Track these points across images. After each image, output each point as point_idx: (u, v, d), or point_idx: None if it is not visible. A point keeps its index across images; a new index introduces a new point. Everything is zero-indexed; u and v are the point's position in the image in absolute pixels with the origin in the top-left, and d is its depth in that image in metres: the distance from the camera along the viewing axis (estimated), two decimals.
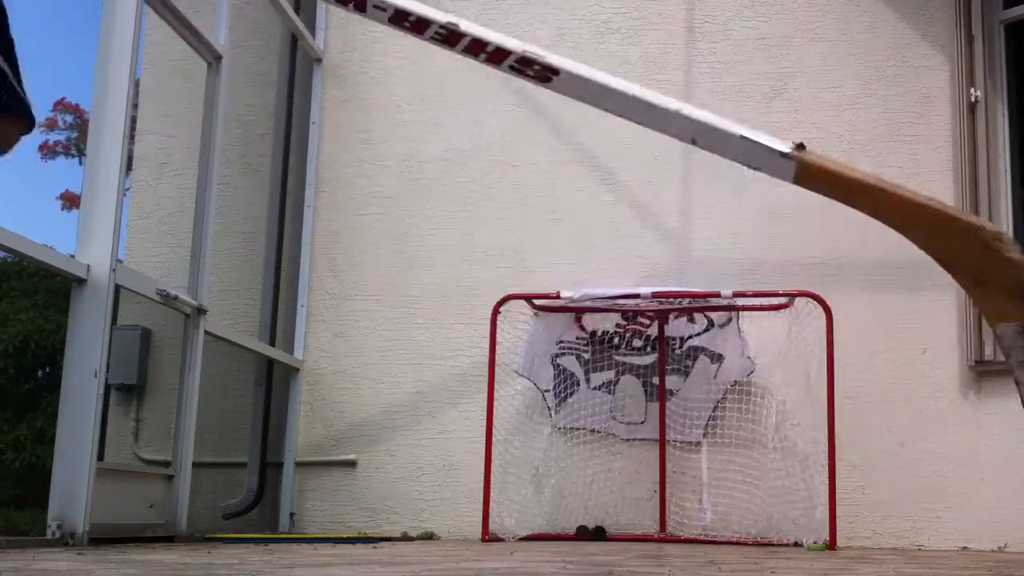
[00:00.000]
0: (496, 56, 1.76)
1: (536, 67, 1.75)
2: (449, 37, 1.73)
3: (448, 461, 5.03)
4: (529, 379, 4.83)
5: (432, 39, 1.74)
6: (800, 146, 1.65)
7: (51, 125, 13.07)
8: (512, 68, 1.75)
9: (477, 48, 1.74)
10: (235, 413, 5.11)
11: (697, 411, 4.79)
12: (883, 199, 1.61)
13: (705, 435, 4.78)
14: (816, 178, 1.62)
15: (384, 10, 1.74)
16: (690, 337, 4.84)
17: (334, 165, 5.42)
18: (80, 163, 12.72)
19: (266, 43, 5.47)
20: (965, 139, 4.88)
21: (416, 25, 1.75)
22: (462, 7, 5.44)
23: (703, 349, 4.82)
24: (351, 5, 1.74)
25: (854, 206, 1.62)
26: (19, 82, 1.75)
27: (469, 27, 1.74)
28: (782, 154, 1.61)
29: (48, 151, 13.08)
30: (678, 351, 4.86)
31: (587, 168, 5.26)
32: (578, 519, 4.82)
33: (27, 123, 1.78)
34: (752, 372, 4.77)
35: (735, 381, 4.80)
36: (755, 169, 1.67)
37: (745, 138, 1.69)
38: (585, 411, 4.86)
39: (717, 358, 4.79)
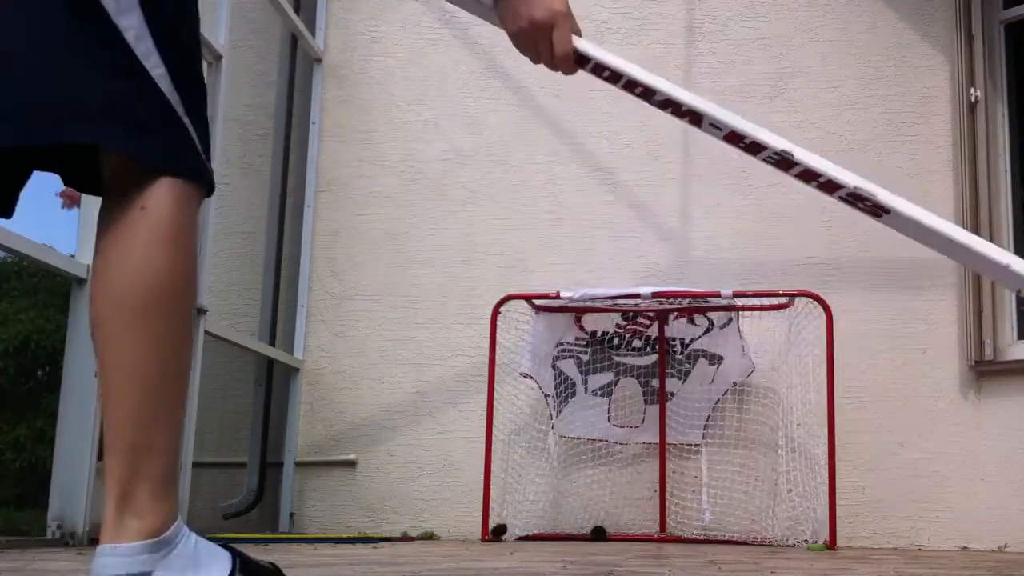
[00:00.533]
0: (828, 187, 1.89)
1: (867, 203, 1.87)
2: (781, 163, 1.84)
3: (448, 461, 5.03)
4: (536, 380, 4.83)
5: (766, 161, 1.85)
6: None
7: None
8: (843, 200, 1.88)
9: (808, 176, 1.88)
10: (235, 413, 5.11)
11: (696, 413, 4.79)
12: None
13: (704, 436, 4.78)
14: None
15: (719, 129, 1.85)
16: (691, 340, 4.84)
17: (334, 165, 5.42)
18: None
19: (266, 43, 5.46)
20: (965, 139, 4.88)
21: (751, 147, 1.88)
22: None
23: (703, 351, 4.82)
24: (686, 119, 1.82)
25: None
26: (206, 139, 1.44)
27: (803, 156, 1.84)
28: None
29: None
30: (679, 355, 4.85)
31: (587, 168, 5.26)
32: (578, 519, 4.82)
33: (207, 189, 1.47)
34: (752, 372, 4.77)
35: (735, 382, 4.80)
36: None
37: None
38: (582, 420, 4.85)
39: (716, 359, 4.79)
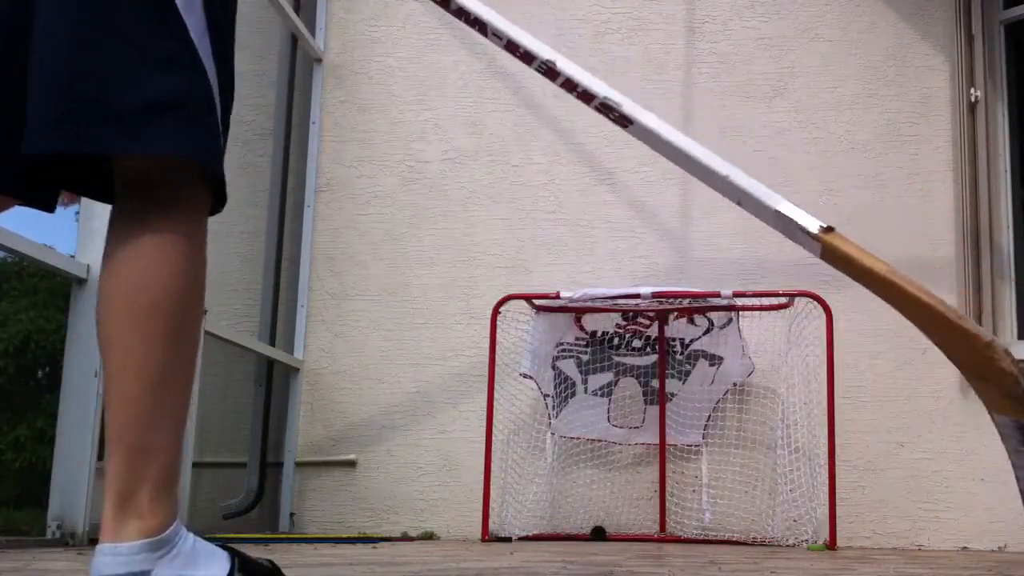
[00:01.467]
0: (584, 96, 2.04)
1: (615, 114, 2.03)
2: (549, 73, 2.02)
3: (448, 461, 5.03)
4: (535, 380, 4.83)
5: (538, 70, 2.04)
6: (828, 229, 1.83)
7: None
8: (597, 109, 2.01)
9: (570, 86, 2.02)
10: (235, 413, 5.11)
11: (696, 414, 4.79)
12: (893, 292, 1.81)
13: (704, 437, 4.78)
14: (835, 261, 1.81)
15: (500, 38, 2.05)
16: (691, 341, 4.84)
17: (334, 165, 5.42)
18: None
19: (266, 43, 5.46)
20: (965, 139, 4.88)
21: (524, 56, 2.03)
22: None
23: (703, 352, 4.82)
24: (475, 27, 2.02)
25: (871, 291, 1.77)
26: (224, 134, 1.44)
27: (564, 67, 2.01)
28: (808, 233, 1.81)
29: None
30: (679, 355, 4.85)
31: (587, 168, 5.26)
32: (577, 519, 4.82)
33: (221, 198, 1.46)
34: (752, 372, 4.77)
35: (735, 383, 4.80)
36: (790, 239, 1.89)
37: (779, 213, 1.90)
38: (581, 420, 4.85)
39: (716, 360, 4.78)
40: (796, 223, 1.84)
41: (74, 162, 1.38)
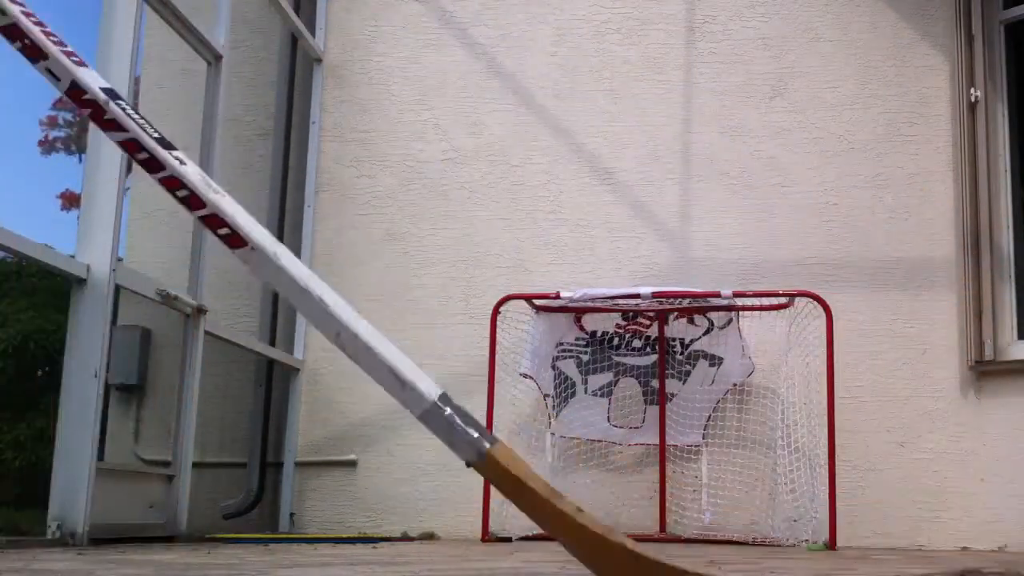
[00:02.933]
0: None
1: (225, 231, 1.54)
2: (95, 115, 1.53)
3: (448, 461, 4.99)
4: (535, 380, 4.82)
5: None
6: (492, 442, 1.48)
7: (52, 123, 13.07)
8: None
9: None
10: (235, 413, 5.11)
11: (696, 414, 4.78)
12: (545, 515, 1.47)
13: (704, 437, 4.77)
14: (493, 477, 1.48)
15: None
16: (691, 341, 4.83)
17: (334, 165, 5.42)
18: (80, 161, 12.73)
19: (266, 43, 5.46)
20: (965, 139, 4.89)
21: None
22: (461, 6, 5.45)
23: (703, 352, 4.82)
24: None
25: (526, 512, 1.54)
26: None
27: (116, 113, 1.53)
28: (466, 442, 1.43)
29: (47, 146, 13.08)
30: (679, 356, 4.85)
31: (587, 168, 5.26)
32: None
33: None
34: (752, 372, 4.77)
35: (735, 383, 4.80)
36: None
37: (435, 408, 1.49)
38: (581, 420, 4.84)
39: (716, 361, 4.78)
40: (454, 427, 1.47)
41: None
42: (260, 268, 1.57)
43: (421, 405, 1.52)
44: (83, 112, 1.53)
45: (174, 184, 1.53)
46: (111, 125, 1.52)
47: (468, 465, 1.50)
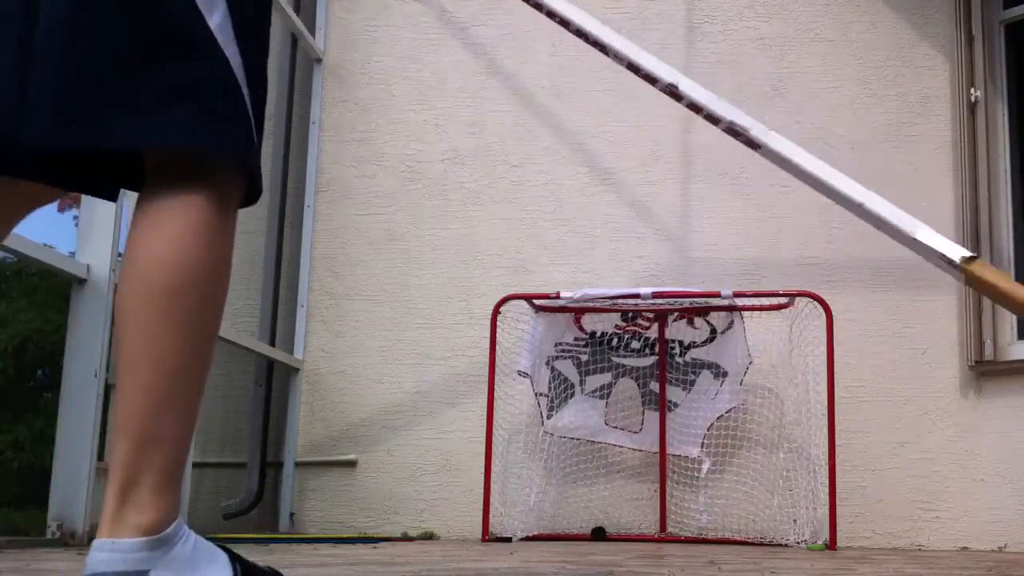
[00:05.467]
0: (711, 119, 2.08)
1: (743, 136, 2.04)
2: (673, 95, 2.06)
3: (448, 461, 5.03)
4: (532, 380, 4.82)
5: (663, 91, 2.08)
6: (971, 258, 1.82)
7: None
8: (726, 131, 2.06)
9: (695, 108, 2.08)
10: (235, 413, 5.11)
11: (698, 424, 4.75)
12: None
13: (703, 447, 4.74)
14: (980, 289, 1.79)
15: (621, 60, 2.23)
16: (691, 345, 4.82)
17: (334, 165, 5.42)
18: None
19: None
20: (965, 139, 4.89)
21: (647, 78, 2.12)
22: (461, 6, 5.45)
23: (706, 363, 4.79)
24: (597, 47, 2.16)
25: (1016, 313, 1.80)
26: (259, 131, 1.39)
27: (688, 90, 2.07)
28: (950, 262, 1.80)
29: None
30: (679, 359, 4.84)
31: (587, 168, 5.26)
32: (578, 519, 4.82)
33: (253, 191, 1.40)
34: (751, 363, 4.73)
35: (737, 404, 4.75)
36: (932, 263, 1.86)
37: (917, 240, 1.88)
38: (579, 421, 4.83)
39: (721, 374, 4.75)
40: (936, 252, 1.79)
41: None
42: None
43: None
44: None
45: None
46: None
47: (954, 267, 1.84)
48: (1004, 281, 1.73)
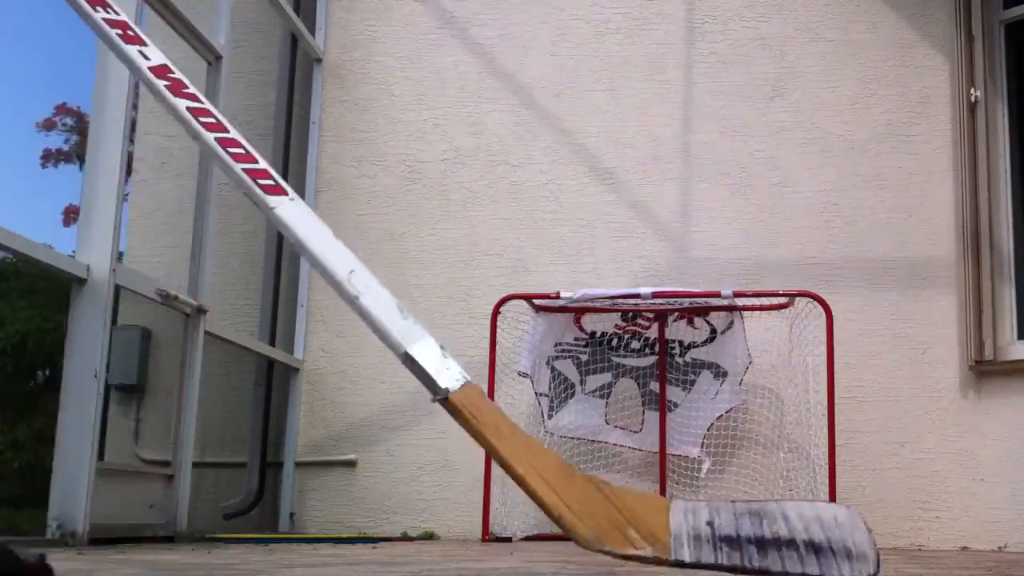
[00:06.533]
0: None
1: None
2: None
3: (448, 461, 5.03)
4: (532, 380, 4.82)
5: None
6: (465, 385, 1.62)
7: (49, 126, 13.05)
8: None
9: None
10: (235, 413, 5.11)
11: (697, 424, 4.75)
12: (503, 465, 1.57)
13: (703, 445, 4.74)
14: (461, 423, 1.59)
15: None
16: (691, 345, 4.82)
17: (334, 165, 5.42)
18: (80, 169, 12.69)
19: (266, 43, 5.46)
20: (965, 139, 4.89)
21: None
22: (461, 6, 5.45)
23: (706, 363, 4.79)
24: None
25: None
26: None
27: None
28: (433, 390, 1.58)
29: (50, 158, 13.03)
30: (678, 359, 4.84)
31: (587, 168, 5.26)
32: None
33: None
34: (751, 363, 4.73)
35: (737, 404, 4.75)
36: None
37: (409, 356, 1.64)
38: (579, 420, 4.83)
39: (721, 373, 4.75)
40: (425, 373, 1.59)
41: None
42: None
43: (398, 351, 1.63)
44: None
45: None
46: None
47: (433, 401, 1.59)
48: (491, 421, 1.54)
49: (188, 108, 1.74)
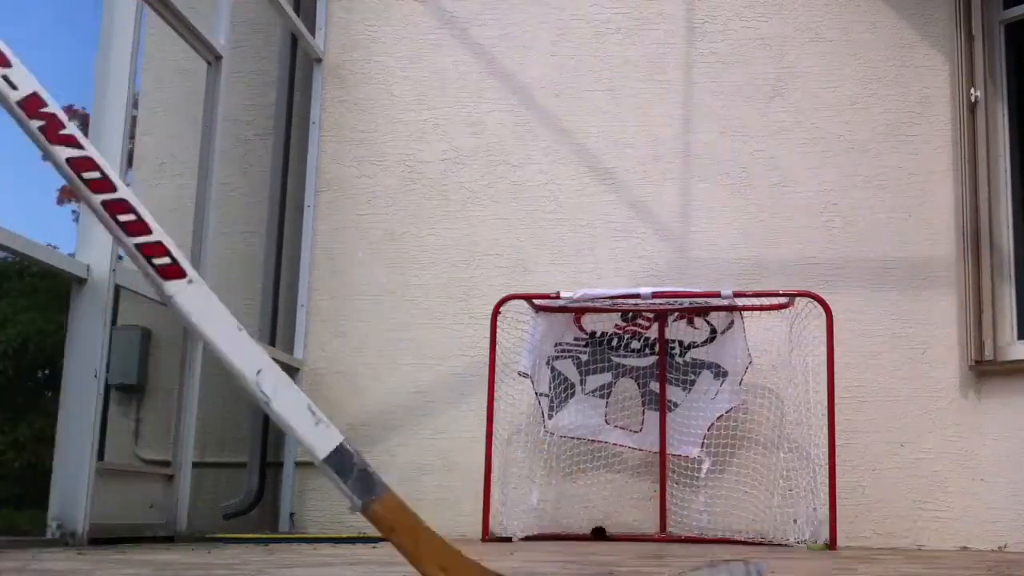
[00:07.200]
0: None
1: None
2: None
3: (448, 461, 5.03)
4: (532, 380, 4.82)
5: None
6: (380, 495, 1.56)
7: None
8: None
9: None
10: (235, 413, 5.11)
11: (697, 424, 4.75)
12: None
13: (704, 445, 4.74)
14: (384, 533, 1.53)
15: None
16: (691, 345, 4.82)
17: (334, 165, 5.42)
18: None
19: (266, 43, 5.46)
20: (965, 139, 4.89)
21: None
22: (461, 6, 5.45)
23: (706, 363, 4.79)
24: None
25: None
26: None
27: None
28: (351, 499, 1.51)
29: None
30: (678, 359, 4.84)
31: (587, 168, 5.26)
32: (578, 519, 4.81)
33: None
34: (751, 363, 4.73)
35: (738, 404, 4.75)
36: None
37: (322, 464, 1.54)
38: (579, 420, 4.83)
39: (721, 373, 4.75)
40: (340, 484, 1.52)
41: None
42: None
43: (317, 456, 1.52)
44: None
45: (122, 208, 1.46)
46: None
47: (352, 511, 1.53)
48: (407, 528, 1.53)
49: (68, 159, 1.36)
